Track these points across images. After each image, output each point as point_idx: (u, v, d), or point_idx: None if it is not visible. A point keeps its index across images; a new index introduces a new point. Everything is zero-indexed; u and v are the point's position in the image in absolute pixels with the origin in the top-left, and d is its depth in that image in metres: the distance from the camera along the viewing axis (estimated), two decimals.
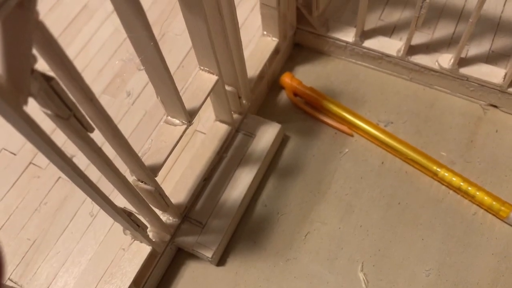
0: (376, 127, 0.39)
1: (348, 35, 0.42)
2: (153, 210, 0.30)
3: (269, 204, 0.38)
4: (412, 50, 0.40)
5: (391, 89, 0.42)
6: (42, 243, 0.36)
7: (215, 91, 0.33)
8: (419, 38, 0.41)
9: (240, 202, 0.36)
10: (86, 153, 0.22)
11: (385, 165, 0.38)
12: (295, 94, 0.42)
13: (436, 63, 0.39)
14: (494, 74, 0.38)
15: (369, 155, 0.39)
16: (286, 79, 0.42)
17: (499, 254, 0.34)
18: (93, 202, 0.25)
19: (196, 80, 0.31)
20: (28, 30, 0.16)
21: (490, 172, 0.37)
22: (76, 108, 0.19)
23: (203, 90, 0.31)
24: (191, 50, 0.43)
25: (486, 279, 0.34)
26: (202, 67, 0.31)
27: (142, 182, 0.29)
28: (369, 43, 0.41)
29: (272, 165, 0.39)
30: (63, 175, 0.38)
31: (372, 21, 0.43)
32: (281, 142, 0.40)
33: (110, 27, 0.45)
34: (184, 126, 0.30)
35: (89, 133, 0.21)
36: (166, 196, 0.31)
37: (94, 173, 0.26)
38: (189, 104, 0.30)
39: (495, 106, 0.40)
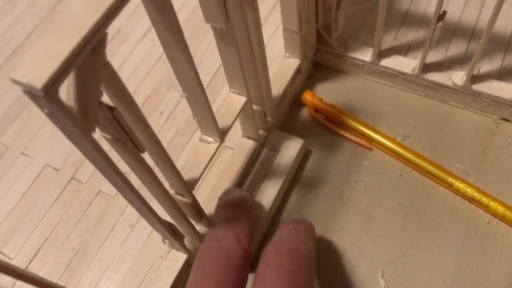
0: (393, 141, 0.41)
1: (365, 55, 0.44)
2: (190, 221, 0.33)
3: (294, 215, 0.40)
4: (426, 68, 0.42)
5: (407, 105, 0.44)
6: (85, 252, 0.39)
7: (244, 111, 0.36)
8: (433, 56, 0.44)
9: (267, 213, 0.38)
10: (137, 172, 0.25)
11: (402, 177, 0.41)
12: (316, 111, 0.44)
13: (450, 80, 0.42)
14: (505, 90, 0.40)
15: (387, 167, 0.41)
16: (307, 96, 0.45)
17: None
18: (132, 214, 0.28)
19: (227, 102, 0.34)
20: (98, 70, 0.19)
21: (503, 182, 0.39)
22: (132, 133, 0.22)
23: (234, 110, 0.34)
24: (218, 71, 0.46)
25: (501, 285, 0.36)
26: (232, 90, 0.34)
27: (180, 195, 0.31)
28: (385, 62, 0.44)
29: (296, 178, 0.42)
30: (103, 189, 0.41)
31: (388, 41, 0.46)
32: (303, 156, 0.42)
33: (142, 51, 0.49)
34: (217, 144, 0.33)
35: (141, 154, 0.24)
36: (201, 207, 0.34)
37: (134, 184, 0.29)
38: (221, 124, 0.33)
39: (507, 120, 0.42)
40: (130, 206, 0.27)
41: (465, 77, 0.41)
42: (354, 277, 0.37)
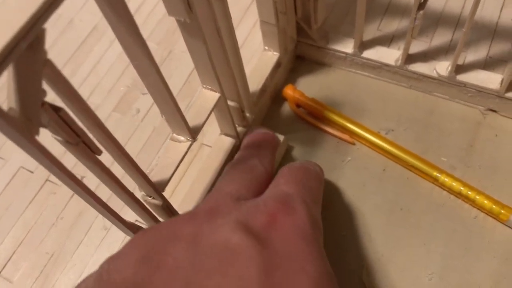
0: (377, 135, 0.40)
1: (347, 47, 0.43)
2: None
3: None
4: (410, 58, 0.41)
5: (391, 97, 0.43)
6: (60, 256, 0.38)
7: (218, 107, 0.34)
8: (417, 46, 0.43)
9: None
10: (95, 174, 0.24)
11: (386, 172, 0.40)
12: (298, 105, 0.43)
13: (434, 71, 0.40)
14: (491, 79, 0.39)
15: (370, 162, 0.40)
16: (288, 91, 0.43)
17: (500, 257, 0.35)
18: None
19: (199, 99, 0.33)
20: (38, 68, 0.18)
21: (490, 176, 0.38)
22: (85, 134, 0.21)
23: (206, 107, 0.33)
24: None
25: (488, 282, 0.34)
26: (204, 86, 0.33)
27: (150, 197, 0.30)
28: (368, 54, 0.42)
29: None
30: None
31: (371, 31, 0.44)
32: (285, 152, 0.41)
33: (119, 48, 0.47)
34: (189, 143, 0.32)
35: (97, 156, 0.23)
36: (174, 209, 0.32)
37: (104, 191, 0.27)
38: (192, 122, 0.32)
39: (494, 111, 0.41)
40: None
41: (449, 67, 0.39)
42: (337, 276, 0.36)
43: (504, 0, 0.44)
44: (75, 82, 0.45)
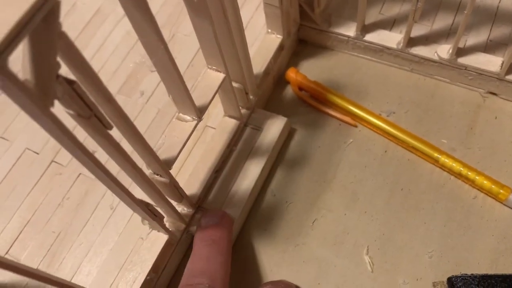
0: (378, 117, 0.41)
1: (349, 30, 0.43)
2: (169, 201, 0.32)
3: (278, 194, 0.39)
4: (411, 42, 0.41)
5: (393, 80, 0.43)
6: (66, 235, 0.38)
7: (223, 88, 0.35)
8: (419, 30, 0.43)
9: (250, 192, 0.38)
10: (105, 149, 0.24)
11: (388, 153, 0.40)
12: (300, 88, 0.44)
13: (435, 54, 0.41)
14: (491, 62, 0.39)
15: (372, 144, 0.41)
16: (291, 74, 0.44)
17: (498, 236, 0.36)
18: (113, 195, 0.28)
19: (204, 79, 0.33)
20: (52, 41, 0.18)
21: (490, 157, 0.39)
22: (96, 108, 0.21)
23: (211, 87, 0.33)
24: (199, 50, 0.45)
25: (486, 259, 0.35)
26: (209, 66, 0.33)
27: (157, 175, 0.31)
28: (370, 37, 0.43)
29: (280, 157, 0.41)
30: (83, 171, 0.41)
31: (373, 15, 0.45)
32: (287, 135, 0.42)
33: (122, 30, 0.47)
34: (195, 122, 0.32)
35: (108, 131, 0.23)
36: (180, 187, 0.33)
37: (113, 168, 0.28)
38: (198, 102, 0.32)
39: (494, 94, 0.41)
40: None
41: (450, 50, 0.40)
42: (339, 255, 0.37)
43: None
44: None
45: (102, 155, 0.26)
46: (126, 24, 0.48)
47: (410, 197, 0.38)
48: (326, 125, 0.42)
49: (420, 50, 0.41)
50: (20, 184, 0.41)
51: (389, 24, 0.44)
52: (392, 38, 0.42)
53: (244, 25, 0.44)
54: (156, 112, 0.43)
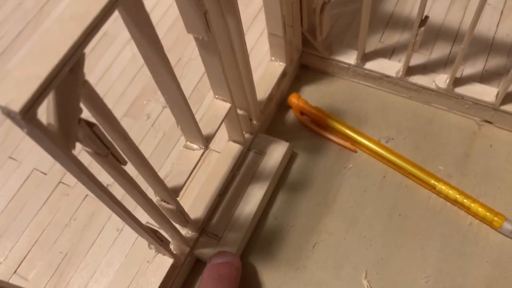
0: (377, 143, 0.42)
1: (350, 58, 0.45)
2: (174, 226, 0.33)
3: (280, 217, 0.41)
4: (410, 70, 0.43)
5: (392, 107, 0.45)
6: (73, 256, 0.39)
7: (229, 116, 0.36)
8: (417, 59, 0.44)
9: (252, 216, 0.39)
10: (119, 182, 0.26)
11: (386, 179, 0.41)
12: (302, 113, 0.45)
13: (433, 83, 0.42)
14: (487, 93, 0.41)
15: (371, 170, 0.42)
16: (293, 99, 0.45)
17: (493, 262, 0.37)
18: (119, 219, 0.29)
19: (211, 109, 0.34)
20: (77, 88, 0.20)
21: (485, 184, 0.40)
22: (113, 147, 0.23)
23: (218, 117, 0.34)
24: (204, 74, 0.46)
25: (481, 285, 0.36)
26: (216, 96, 0.35)
27: (165, 202, 0.32)
28: (370, 65, 0.44)
29: (282, 181, 0.42)
30: (90, 193, 0.42)
31: (373, 43, 0.46)
32: (289, 159, 0.43)
33: (129, 53, 0.49)
34: (202, 151, 0.33)
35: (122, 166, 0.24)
36: (186, 213, 0.34)
37: (118, 191, 0.29)
38: (205, 131, 0.34)
39: (490, 122, 0.43)
40: None
41: (448, 80, 0.41)
42: (338, 278, 0.38)
43: (501, 15, 0.46)
44: None
45: (107, 178, 0.27)
46: (133, 47, 0.49)
47: (407, 222, 0.39)
48: (327, 150, 0.43)
49: (418, 79, 0.43)
50: (28, 204, 0.42)
51: (388, 52, 0.46)
52: (391, 67, 0.44)
53: (249, 51, 0.45)
54: (162, 135, 0.44)
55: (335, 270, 0.38)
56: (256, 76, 0.41)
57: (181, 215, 0.34)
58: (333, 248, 0.39)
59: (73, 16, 0.19)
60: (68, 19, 0.19)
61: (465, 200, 0.39)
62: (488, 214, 0.38)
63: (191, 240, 0.37)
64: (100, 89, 0.47)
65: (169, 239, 0.35)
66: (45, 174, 0.43)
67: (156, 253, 0.36)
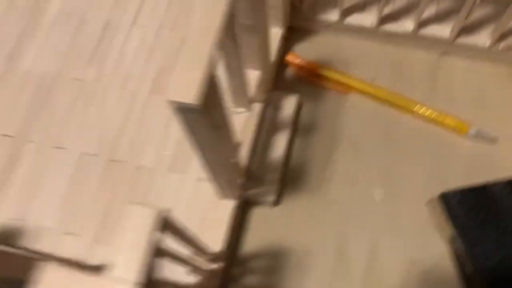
0: (365, 83, 0.52)
1: (332, 15, 0.53)
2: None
3: (300, 157, 0.50)
4: (382, 20, 0.52)
5: (370, 53, 0.54)
6: None
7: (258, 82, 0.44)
8: (387, 8, 0.54)
9: (282, 159, 0.48)
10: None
11: (377, 111, 0.52)
12: (299, 68, 0.54)
13: (402, 27, 0.52)
14: (444, 30, 0.52)
15: (364, 105, 0.52)
16: (291, 57, 0.53)
17: (464, 160, 0.49)
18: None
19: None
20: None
21: (451, 105, 0.52)
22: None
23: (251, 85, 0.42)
24: None
25: (460, 182, 0.48)
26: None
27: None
28: (348, 20, 0.53)
29: (295, 127, 0.51)
30: (144, 164, 0.48)
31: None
32: (298, 108, 0.52)
33: (136, 36, 0.54)
34: (246, 112, 0.42)
35: None
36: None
37: None
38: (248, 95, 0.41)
39: (448, 54, 0.54)
40: None
41: (413, 24, 0.51)
42: (353, 194, 0.48)
43: None
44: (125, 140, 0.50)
45: None
46: (137, 29, 0.54)
47: (399, 141, 0.50)
48: (325, 96, 0.53)
49: (390, 27, 0.52)
50: (85, 187, 0.48)
51: (363, 6, 0.55)
52: (366, 19, 0.53)
53: None
54: None
55: (349, 187, 0.49)
56: None
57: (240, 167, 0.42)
58: (344, 172, 0.49)
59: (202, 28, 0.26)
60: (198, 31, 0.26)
61: (438, 116, 0.50)
62: (457, 123, 0.50)
63: (242, 184, 0.46)
64: (120, 73, 0.52)
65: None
66: (95, 155, 0.49)
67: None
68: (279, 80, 0.54)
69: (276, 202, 0.48)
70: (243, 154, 0.47)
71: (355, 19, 0.53)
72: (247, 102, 0.40)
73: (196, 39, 0.25)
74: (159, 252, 0.25)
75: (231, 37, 0.31)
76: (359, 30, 0.54)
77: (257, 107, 0.49)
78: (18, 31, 0.55)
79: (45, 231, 0.46)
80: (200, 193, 0.46)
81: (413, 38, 0.53)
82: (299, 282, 0.46)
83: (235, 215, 0.45)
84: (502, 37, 0.51)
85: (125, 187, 0.48)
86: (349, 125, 0.51)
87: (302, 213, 0.48)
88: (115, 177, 0.48)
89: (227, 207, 0.44)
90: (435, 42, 0.52)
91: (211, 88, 0.26)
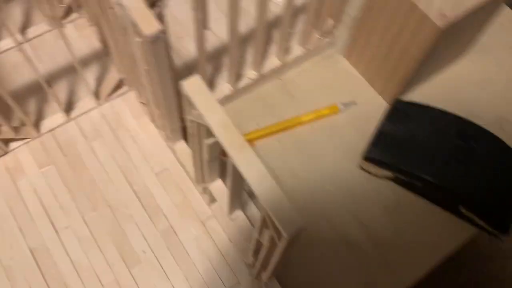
0: (259, 130, 0.65)
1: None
2: None
3: None
4: (236, 82, 0.66)
5: (241, 108, 0.68)
6: None
7: None
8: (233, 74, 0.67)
9: None
10: None
11: (281, 140, 0.66)
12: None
13: (248, 78, 0.67)
14: (274, 61, 0.68)
15: (270, 144, 0.66)
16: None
17: (358, 126, 0.68)
18: None
19: None
20: None
21: (311, 102, 0.69)
22: None
23: None
24: None
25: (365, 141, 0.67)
26: None
27: None
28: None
29: None
30: None
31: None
32: None
33: None
34: None
35: None
36: None
37: None
38: None
39: (284, 73, 0.71)
40: None
41: (254, 73, 0.66)
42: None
43: None
44: None
45: None
46: None
47: (307, 145, 0.66)
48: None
49: (240, 84, 0.66)
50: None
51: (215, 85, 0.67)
52: (225, 89, 0.66)
53: None
54: None
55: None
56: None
57: None
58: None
59: None
60: None
61: (312, 116, 0.68)
62: (329, 109, 0.68)
63: None
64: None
65: None
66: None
67: None
68: None
69: None
70: None
71: (219, 94, 0.65)
72: None
73: None
74: None
75: None
76: (225, 99, 0.66)
77: None
78: None
79: None
80: None
81: (259, 79, 0.68)
82: None
83: None
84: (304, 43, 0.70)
85: None
86: (271, 160, 0.65)
87: None
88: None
89: None
90: (272, 72, 0.69)
91: None
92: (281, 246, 0.35)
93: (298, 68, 0.72)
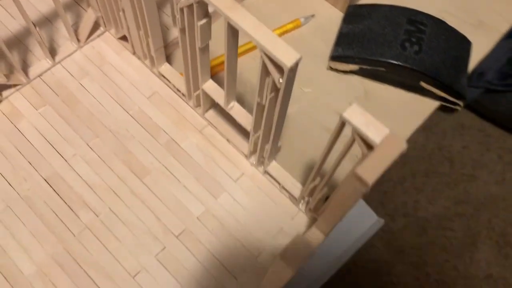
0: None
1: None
2: None
3: None
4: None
5: None
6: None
7: None
8: None
9: None
10: None
11: (242, 65, 0.72)
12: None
13: None
14: None
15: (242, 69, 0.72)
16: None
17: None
18: None
19: None
20: None
21: (270, 26, 0.76)
22: None
23: None
24: None
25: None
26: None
27: None
28: None
29: None
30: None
31: None
32: None
33: None
34: None
35: None
36: None
37: None
38: None
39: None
40: None
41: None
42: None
43: None
44: None
45: None
46: None
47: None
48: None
49: None
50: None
51: None
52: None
53: None
54: None
55: None
56: None
57: None
58: None
59: None
60: None
61: (280, 31, 0.74)
62: (292, 24, 0.74)
63: None
64: None
65: None
66: None
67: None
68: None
69: None
70: None
71: None
72: None
73: None
74: None
75: None
76: None
77: None
78: None
79: None
80: None
81: None
82: None
83: None
84: None
85: None
86: (249, 76, 0.70)
87: None
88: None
89: None
90: None
91: None
92: (284, 82, 0.41)
93: None
